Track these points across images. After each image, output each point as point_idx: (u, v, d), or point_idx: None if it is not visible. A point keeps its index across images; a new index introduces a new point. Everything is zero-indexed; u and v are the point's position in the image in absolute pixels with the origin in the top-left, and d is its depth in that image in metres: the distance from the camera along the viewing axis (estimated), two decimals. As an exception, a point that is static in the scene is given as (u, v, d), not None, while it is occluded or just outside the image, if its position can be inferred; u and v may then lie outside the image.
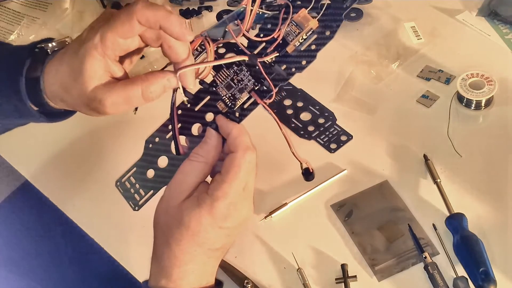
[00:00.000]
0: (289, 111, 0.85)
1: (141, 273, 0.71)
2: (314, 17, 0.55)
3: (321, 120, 0.84)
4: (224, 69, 0.56)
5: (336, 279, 0.67)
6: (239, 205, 0.54)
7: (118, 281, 0.81)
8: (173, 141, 0.56)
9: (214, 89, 0.56)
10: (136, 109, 0.55)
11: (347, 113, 0.84)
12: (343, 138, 0.81)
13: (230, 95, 0.55)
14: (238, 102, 0.55)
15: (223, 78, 0.56)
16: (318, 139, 0.82)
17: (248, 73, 0.55)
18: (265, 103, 0.54)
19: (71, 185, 0.82)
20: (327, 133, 0.82)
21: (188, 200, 0.54)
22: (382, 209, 0.73)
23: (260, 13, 0.56)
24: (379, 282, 0.67)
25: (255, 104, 0.55)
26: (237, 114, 0.54)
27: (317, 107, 0.85)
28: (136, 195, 0.58)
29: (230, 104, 0.55)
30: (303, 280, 0.68)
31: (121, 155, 0.82)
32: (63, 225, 0.79)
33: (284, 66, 0.55)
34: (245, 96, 0.55)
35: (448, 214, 0.70)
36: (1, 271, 0.96)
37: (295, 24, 0.55)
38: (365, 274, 0.68)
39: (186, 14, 1.02)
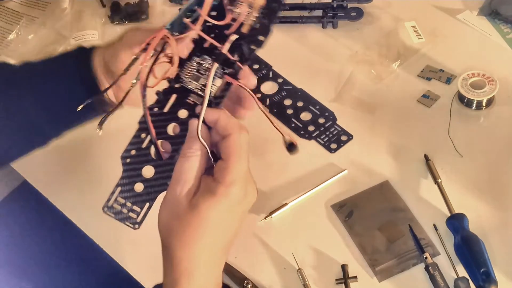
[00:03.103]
0: (289, 111, 0.85)
1: (140, 273, 0.71)
2: None
3: (321, 120, 0.83)
4: (187, 62, 0.56)
5: (336, 279, 0.67)
6: (247, 187, 0.53)
7: (118, 283, 0.81)
8: (152, 147, 0.55)
9: (181, 84, 0.56)
10: (101, 127, 0.54)
11: (348, 113, 0.84)
12: (344, 138, 0.81)
13: (201, 85, 0.55)
14: (212, 90, 0.54)
15: (189, 71, 0.56)
16: (318, 139, 0.81)
17: (213, 59, 0.55)
18: (240, 82, 0.54)
19: (69, 185, 0.82)
20: (328, 133, 0.82)
21: (198, 195, 0.52)
22: (382, 209, 0.73)
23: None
24: (380, 283, 0.67)
25: (226, 90, 0.55)
26: (212, 104, 0.54)
27: (318, 107, 0.85)
28: (131, 214, 0.56)
29: (203, 94, 0.55)
30: (303, 280, 0.67)
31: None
32: (62, 225, 0.79)
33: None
34: (217, 82, 0.55)
35: (449, 214, 0.70)
36: (0, 272, 0.96)
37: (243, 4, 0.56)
38: (366, 275, 0.68)
39: (186, 13, 1.02)
